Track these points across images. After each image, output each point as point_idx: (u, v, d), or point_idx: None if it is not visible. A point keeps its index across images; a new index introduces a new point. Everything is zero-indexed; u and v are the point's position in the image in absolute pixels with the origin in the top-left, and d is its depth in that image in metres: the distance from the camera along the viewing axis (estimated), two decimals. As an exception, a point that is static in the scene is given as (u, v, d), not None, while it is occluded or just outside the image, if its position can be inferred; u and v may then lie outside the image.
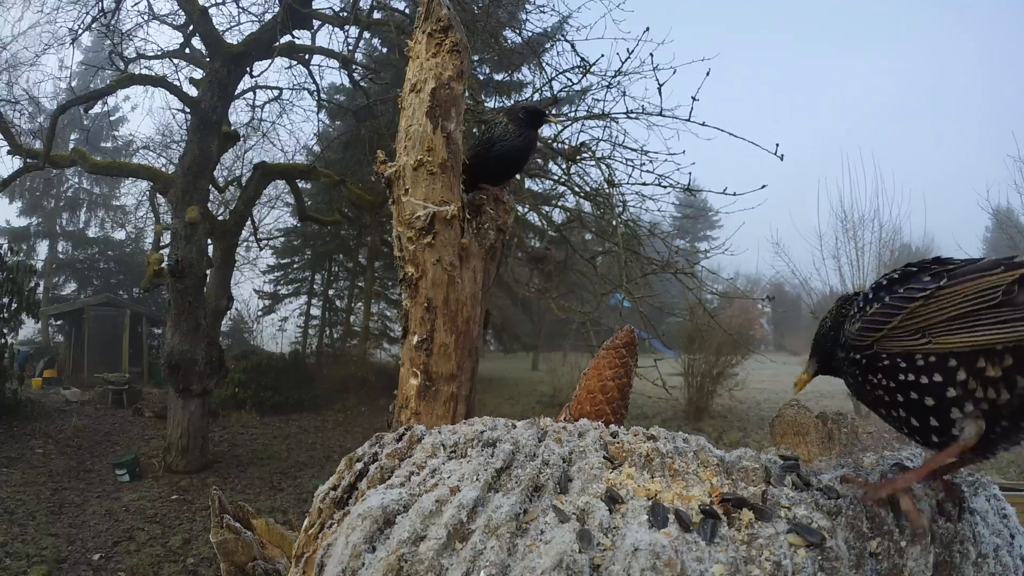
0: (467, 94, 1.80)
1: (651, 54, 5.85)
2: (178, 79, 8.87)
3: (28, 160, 8.06)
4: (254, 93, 9.50)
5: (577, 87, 6.09)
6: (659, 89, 4.90)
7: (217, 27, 7.98)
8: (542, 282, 9.56)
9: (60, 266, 19.71)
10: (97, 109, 11.04)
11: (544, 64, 6.78)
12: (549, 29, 7.97)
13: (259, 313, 17.36)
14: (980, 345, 0.75)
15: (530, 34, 7.53)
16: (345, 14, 7.63)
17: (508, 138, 1.70)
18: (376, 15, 7.73)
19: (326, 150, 10.50)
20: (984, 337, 0.75)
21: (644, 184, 5.95)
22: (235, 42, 8.08)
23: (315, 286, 16.53)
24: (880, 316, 0.86)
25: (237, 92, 8.75)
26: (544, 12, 7.90)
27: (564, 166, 6.40)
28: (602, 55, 15.74)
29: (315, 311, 16.48)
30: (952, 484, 0.87)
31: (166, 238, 8.23)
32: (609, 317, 7.22)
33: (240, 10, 8.38)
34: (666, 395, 5.85)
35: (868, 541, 0.75)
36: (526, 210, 7.73)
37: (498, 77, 11.24)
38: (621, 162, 5.96)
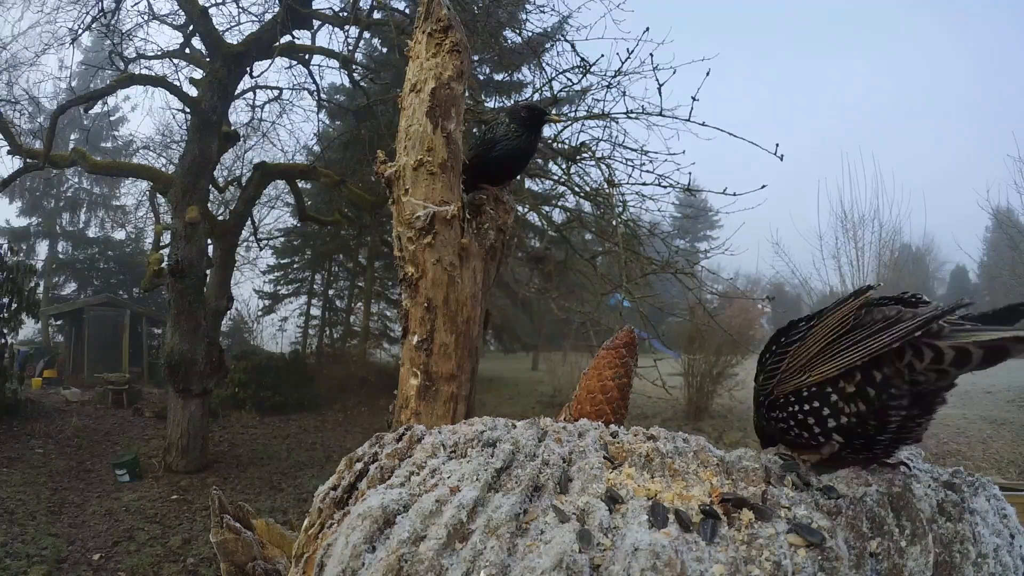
0: (467, 94, 1.80)
1: (651, 54, 5.84)
2: (178, 79, 8.88)
3: (28, 160, 8.06)
4: (254, 93, 9.51)
5: (577, 87, 6.10)
6: (659, 89, 4.91)
7: (217, 27, 7.98)
8: (542, 282, 9.57)
9: (60, 266, 19.71)
10: (97, 109, 11.03)
11: (544, 64, 6.79)
12: (549, 29, 7.98)
13: (259, 313, 17.37)
14: (844, 368, 0.83)
15: (530, 34, 7.53)
16: (345, 14, 7.63)
17: (510, 138, 1.69)
18: (376, 15, 7.73)
19: (326, 150, 10.50)
20: (846, 359, 0.83)
21: (644, 184, 5.96)
22: (235, 42, 8.07)
23: (315, 286, 16.54)
24: (772, 365, 0.96)
25: (237, 92, 8.75)
26: (544, 12, 7.91)
27: (564, 166, 6.40)
28: (602, 55, 15.71)
29: (315, 311, 16.49)
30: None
31: (166, 238, 8.23)
32: (609, 317, 7.22)
33: (240, 10, 8.39)
34: (666, 395, 5.86)
35: (868, 541, 0.75)
36: (526, 210, 7.73)
37: (498, 77, 11.25)
38: (621, 162, 5.97)
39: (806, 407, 0.88)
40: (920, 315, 0.78)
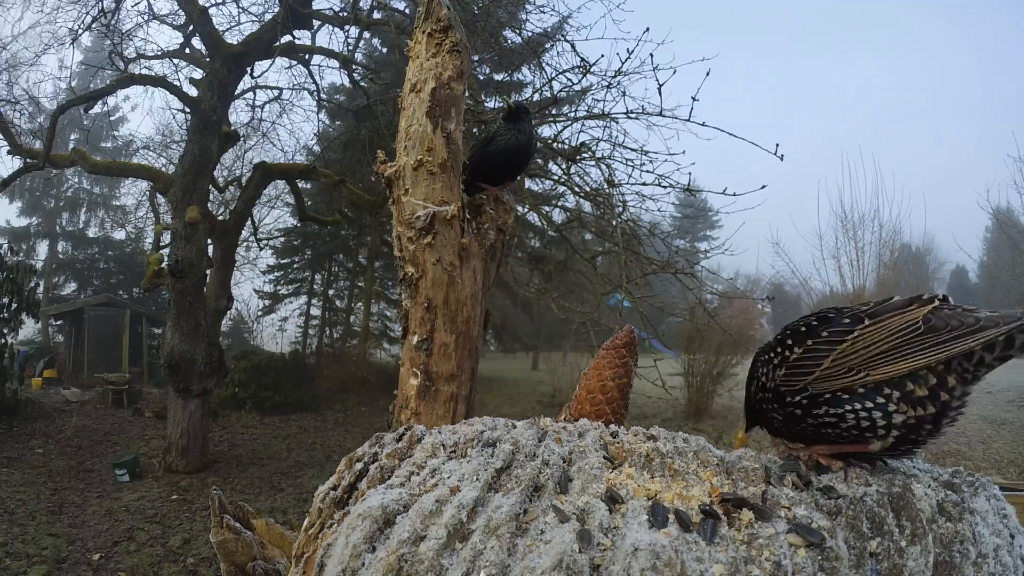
0: (467, 94, 1.80)
1: (651, 54, 5.86)
2: (178, 79, 8.87)
3: (28, 160, 8.05)
4: (254, 93, 9.51)
5: (577, 87, 6.10)
6: (659, 89, 4.90)
7: (217, 27, 7.98)
8: (542, 282, 9.56)
9: (60, 266, 19.70)
10: (97, 109, 11.02)
11: (544, 64, 6.78)
12: (549, 29, 7.97)
13: (259, 313, 17.36)
14: (915, 369, 0.88)
15: (530, 34, 7.53)
16: (345, 14, 7.63)
17: (503, 134, 1.70)
18: (376, 15, 7.73)
19: (326, 150, 10.49)
20: (914, 363, 0.88)
21: (644, 184, 5.95)
22: (235, 42, 8.07)
23: (315, 286, 16.52)
24: (808, 360, 0.96)
25: (237, 92, 8.75)
26: (544, 12, 7.91)
27: (564, 166, 6.40)
28: (602, 55, 15.76)
29: (315, 311, 16.47)
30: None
31: (166, 238, 8.23)
32: (609, 317, 7.21)
33: (240, 10, 8.38)
34: (666, 395, 5.85)
35: (868, 541, 0.75)
36: (526, 210, 7.73)
37: (498, 77, 11.24)
38: (621, 162, 5.96)
39: (859, 405, 0.90)
40: (1009, 317, 0.87)
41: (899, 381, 0.89)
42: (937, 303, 0.91)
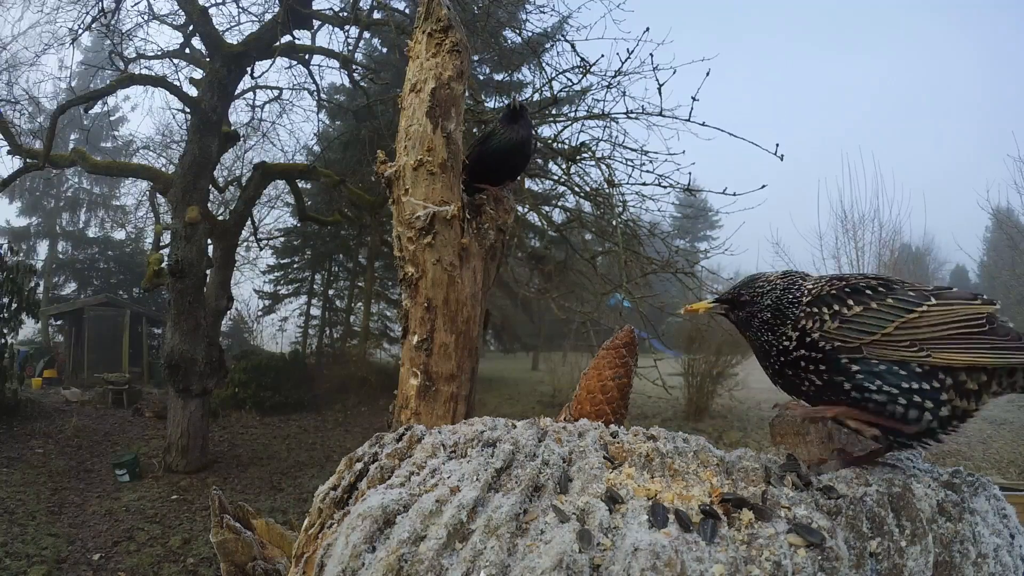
0: (467, 94, 1.80)
1: (651, 54, 5.86)
2: (178, 79, 8.87)
3: (28, 160, 8.05)
4: (254, 93, 9.50)
5: (577, 87, 6.10)
6: (659, 89, 4.91)
7: (217, 27, 7.98)
8: (542, 282, 9.56)
9: (60, 266, 19.70)
10: (97, 109, 11.03)
11: (544, 64, 6.78)
12: (549, 29, 7.98)
13: (259, 313, 17.35)
14: (973, 364, 0.86)
15: (530, 34, 7.53)
16: (345, 14, 7.63)
17: (499, 133, 1.71)
18: (376, 15, 7.73)
19: (326, 150, 10.50)
20: (979, 359, 0.86)
21: (644, 184, 5.95)
22: (235, 42, 8.07)
23: (315, 286, 16.52)
24: (869, 320, 0.90)
25: (237, 92, 8.75)
26: (544, 12, 7.92)
27: (564, 166, 6.40)
28: (602, 55, 15.75)
29: (315, 311, 16.47)
30: (844, 452, 1.02)
31: (166, 238, 8.23)
32: (609, 317, 7.22)
33: (240, 10, 8.38)
34: (666, 395, 5.85)
35: (868, 541, 0.75)
36: (526, 210, 7.73)
37: (498, 77, 11.24)
38: (621, 162, 5.96)
39: (916, 385, 0.87)
40: None
41: (954, 371, 0.86)
42: (996, 308, 0.89)
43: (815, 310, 0.95)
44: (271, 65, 9.28)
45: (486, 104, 6.65)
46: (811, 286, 0.98)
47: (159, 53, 8.86)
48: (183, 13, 8.25)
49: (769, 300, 1.01)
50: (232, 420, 10.83)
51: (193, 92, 8.14)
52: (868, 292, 0.93)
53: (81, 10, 7.98)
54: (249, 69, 8.39)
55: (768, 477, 0.88)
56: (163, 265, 7.64)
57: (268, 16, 8.23)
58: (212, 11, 7.91)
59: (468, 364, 1.60)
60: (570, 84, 5.80)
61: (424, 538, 0.73)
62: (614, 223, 5.86)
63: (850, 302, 0.93)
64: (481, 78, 10.61)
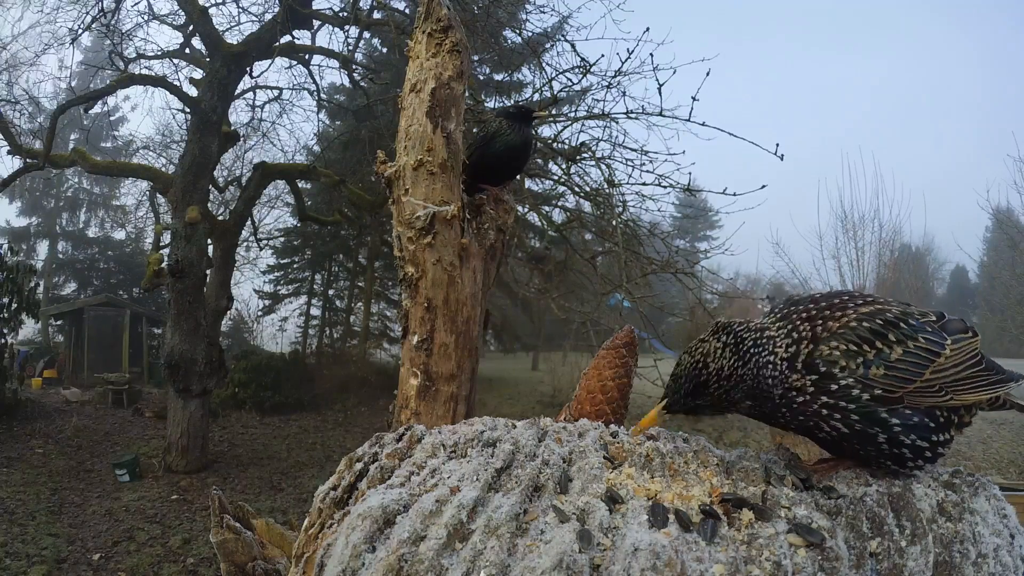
0: (467, 94, 1.80)
1: (651, 54, 5.86)
2: (178, 79, 8.88)
3: (28, 160, 8.06)
4: (254, 93, 9.51)
5: (577, 87, 6.10)
6: (659, 89, 4.90)
7: (217, 27, 7.98)
8: (542, 282, 9.55)
9: (60, 266, 19.70)
10: (97, 109, 11.02)
11: (544, 64, 6.77)
12: (549, 29, 7.97)
13: (259, 313, 17.33)
14: (979, 401, 0.86)
15: (530, 34, 7.53)
16: (345, 14, 7.63)
17: (504, 134, 1.70)
18: (376, 15, 7.72)
19: (326, 150, 10.49)
20: (987, 394, 0.85)
21: (644, 184, 5.95)
22: (235, 42, 8.07)
23: (315, 286, 16.51)
24: (910, 367, 0.81)
25: (237, 92, 8.75)
26: (544, 12, 7.90)
27: (564, 166, 6.40)
28: (602, 55, 15.75)
29: (315, 311, 16.46)
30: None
31: (166, 238, 8.23)
32: (609, 317, 7.21)
33: (240, 10, 8.39)
34: (666, 395, 5.83)
35: (868, 541, 0.75)
36: (526, 210, 7.73)
37: (498, 77, 11.23)
38: (621, 162, 5.96)
39: (939, 437, 0.84)
40: (1015, 376, 0.89)
41: (960, 409, 0.86)
42: (979, 339, 0.88)
43: (851, 347, 0.82)
44: (271, 65, 9.30)
45: (486, 104, 6.66)
46: (809, 329, 0.86)
47: (159, 53, 8.86)
48: (183, 13, 8.25)
49: (740, 393, 0.88)
50: (232, 420, 10.83)
51: (193, 92, 8.14)
52: (901, 326, 0.83)
53: (81, 10, 7.98)
54: (249, 69, 8.39)
55: (768, 477, 0.88)
56: (163, 265, 7.64)
57: (268, 16, 8.23)
58: (212, 11, 7.92)
59: (468, 364, 1.60)
60: (570, 84, 5.80)
61: (424, 538, 0.73)
62: (614, 223, 5.85)
63: (891, 339, 0.82)
64: (481, 78, 10.60)
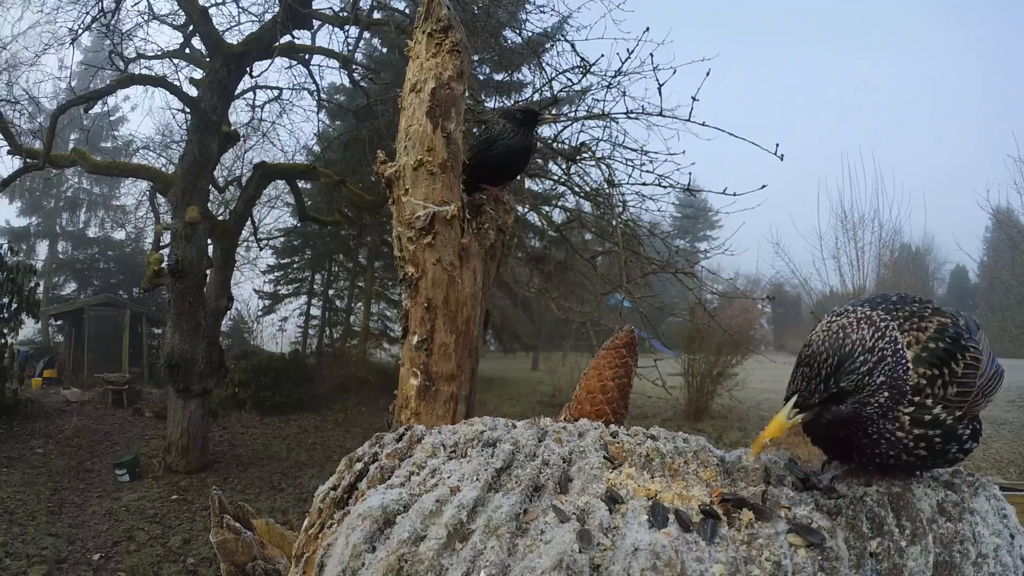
0: (467, 94, 1.80)
1: (651, 54, 5.83)
2: (178, 79, 8.86)
3: (28, 160, 8.05)
4: (254, 93, 9.49)
5: (577, 87, 6.09)
6: (659, 89, 4.89)
7: (217, 27, 7.97)
8: (542, 282, 9.55)
9: (60, 266, 19.71)
10: (97, 109, 11.03)
11: (544, 64, 6.77)
12: (549, 29, 7.97)
13: (259, 313, 17.34)
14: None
15: (530, 34, 7.52)
16: (345, 14, 7.63)
17: (506, 137, 1.70)
18: (376, 15, 7.72)
19: (326, 150, 10.49)
20: (993, 398, 0.87)
21: (644, 184, 5.94)
22: (235, 42, 8.07)
23: (315, 286, 16.52)
24: (968, 378, 0.80)
25: (237, 92, 8.74)
26: (544, 12, 7.89)
27: (564, 166, 6.40)
28: (602, 55, 15.70)
29: (315, 311, 16.46)
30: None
31: (166, 238, 8.23)
32: (609, 317, 7.22)
33: (240, 10, 8.37)
34: (666, 395, 5.85)
35: (868, 541, 0.75)
36: (526, 210, 7.73)
37: (498, 77, 11.24)
38: (621, 162, 5.95)
39: (972, 444, 0.85)
40: None
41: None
42: None
43: (932, 371, 0.78)
44: (271, 65, 9.28)
45: (486, 104, 6.65)
46: (908, 336, 0.80)
47: (159, 53, 8.85)
48: (183, 13, 8.24)
49: (882, 376, 0.77)
50: (232, 420, 10.83)
51: (193, 92, 8.14)
52: (958, 338, 0.80)
53: (81, 10, 7.97)
54: (249, 69, 8.39)
55: (768, 477, 0.88)
56: (163, 265, 7.64)
57: (268, 16, 8.22)
58: (212, 11, 7.91)
59: (468, 364, 1.60)
60: (570, 84, 5.79)
61: (424, 538, 0.73)
62: (614, 223, 5.85)
63: (956, 353, 0.79)
64: (481, 78, 10.61)
